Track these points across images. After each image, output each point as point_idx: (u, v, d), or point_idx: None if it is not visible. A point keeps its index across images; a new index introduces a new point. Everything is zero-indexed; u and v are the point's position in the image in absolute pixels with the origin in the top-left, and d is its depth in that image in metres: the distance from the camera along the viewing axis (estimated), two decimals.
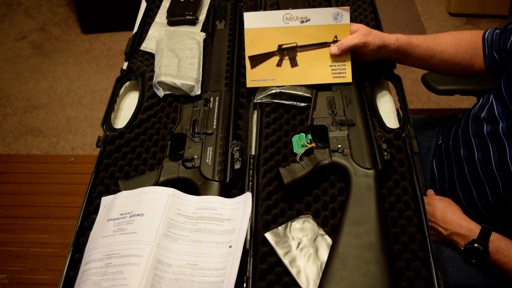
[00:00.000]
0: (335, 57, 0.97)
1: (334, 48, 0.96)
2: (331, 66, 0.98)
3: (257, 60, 0.97)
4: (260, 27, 0.96)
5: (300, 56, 0.97)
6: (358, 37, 0.93)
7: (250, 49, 0.97)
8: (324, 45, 0.97)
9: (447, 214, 0.97)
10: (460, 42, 1.01)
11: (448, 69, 1.03)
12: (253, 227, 0.79)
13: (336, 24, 0.95)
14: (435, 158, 1.15)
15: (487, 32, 1.02)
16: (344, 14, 0.94)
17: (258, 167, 0.88)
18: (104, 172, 0.89)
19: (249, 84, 0.99)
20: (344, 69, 0.97)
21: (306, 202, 0.84)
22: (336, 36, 0.96)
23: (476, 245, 0.92)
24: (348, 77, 0.97)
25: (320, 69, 0.98)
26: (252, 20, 0.95)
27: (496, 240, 0.91)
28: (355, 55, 0.98)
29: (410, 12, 2.72)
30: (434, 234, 0.99)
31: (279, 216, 0.82)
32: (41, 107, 2.29)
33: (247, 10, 1.21)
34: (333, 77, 0.98)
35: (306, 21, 0.96)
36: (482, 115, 0.97)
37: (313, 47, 0.97)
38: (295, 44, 0.97)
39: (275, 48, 0.97)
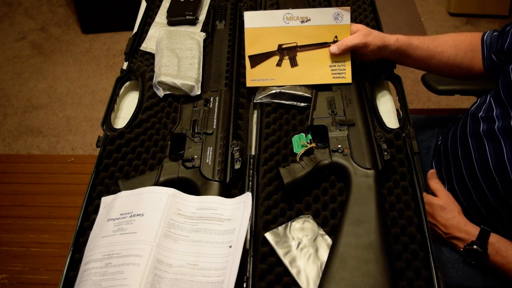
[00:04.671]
0: (335, 58, 0.97)
1: (334, 47, 0.95)
2: (331, 66, 0.98)
3: (257, 59, 0.98)
4: (260, 27, 0.96)
5: (300, 56, 0.97)
6: (358, 37, 0.93)
7: (250, 49, 0.97)
8: (324, 45, 0.97)
9: (448, 218, 0.96)
10: (460, 44, 1.01)
11: (447, 71, 1.03)
12: (253, 227, 0.79)
13: (336, 24, 0.95)
14: (434, 159, 1.15)
15: (486, 34, 1.02)
16: (344, 14, 0.94)
17: (258, 167, 0.88)
18: (104, 172, 0.89)
19: (249, 83, 0.99)
20: (344, 69, 0.97)
21: (306, 202, 0.84)
22: (336, 36, 0.96)
23: (475, 247, 0.92)
24: (348, 78, 0.97)
25: (320, 69, 0.98)
26: (252, 19, 0.95)
27: (495, 242, 0.91)
28: (355, 55, 0.98)
29: (410, 12, 2.72)
30: (433, 233, 0.98)
31: (279, 216, 0.82)
32: (41, 107, 2.29)
33: (247, 10, 1.21)
34: (333, 77, 0.98)
35: (306, 21, 0.96)
36: (480, 114, 0.97)
37: (313, 47, 0.97)
38: (295, 44, 0.97)
39: (275, 48, 0.97)
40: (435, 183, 1.01)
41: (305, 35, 0.96)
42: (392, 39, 0.95)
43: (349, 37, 0.94)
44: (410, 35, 0.99)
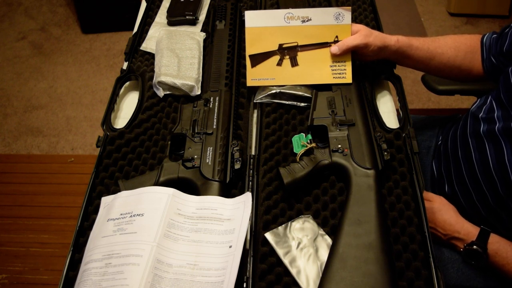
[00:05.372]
0: (336, 58, 0.97)
1: (335, 48, 0.95)
2: (331, 66, 0.98)
3: (257, 59, 0.97)
4: (261, 26, 0.96)
5: (301, 56, 0.97)
6: (359, 37, 0.93)
7: (251, 48, 0.97)
8: (325, 45, 0.97)
9: (445, 219, 0.96)
10: (460, 46, 1.01)
11: (447, 72, 1.03)
12: (253, 227, 0.79)
13: (337, 24, 0.95)
14: (434, 159, 1.15)
15: (485, 37, 1.02)
16: (345, 14, 0.94)
17: (258, 167, 0.88)
18: (104, 172, 0.89)
19: (249, 83, 0.99)
20: (344, 69, 0.97)
21: (306, 202, 0.84)
22: (337, 36, 0.96)
23: (475, 247, 0.92)
24: (348, 78, 0.97)
25: (320, 69, 0.98)
26: (253, 19, 0.95)
27: (495, 242, 0.91)
28: (355, 55, 0.98)
29: (410, 12, 2.72)
30: (433, 237, 0.98)
31: (279, 216, 0.82)
32: (41, 107, 2.29)
33: (247, 10, 1.21)
34: (333, 77, 0.98)
35: (307, 21, 0.96)
36: (480, 115, 0.97)
37: (314, 47, 0.97)
38: (295, 44, 0.97)
39: (275, 47, 0.97)
40: (424, 193, 1.01)
41: (306, 35, 0.96)
42: (393, 40, 0.95)
43: (350, 38, 0.94)
44: (410, 35, 0.99)
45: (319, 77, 0.98)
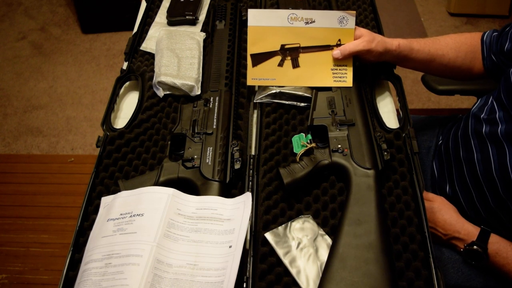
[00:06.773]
0: (337, 61, 0.97)
1: (337, 52, 0.95)
2: (332, 69, 0.97)
3: (259, 58, 0.97)
4: (264, 25, 0.95)
5: (302, 58, 0.97)
6: (362, 43, 0.93)
7: (253, 47, 0.96)
8: (327, 48, 0.97)
9: (445, 219, 0.97)
10: (460, 46, 1.01)
11: (447, 73, 1.03)
12: (253, 227, 0.79)
13: (340, 28, 0.95)
14: (435, 159, 1.15)
15: (485, 34, 1.02)
16: (349, 18, 0.94)
17: (258, 167, 0.88)
18: (104, 172, 0.89)
19: (249, 82, 0.99)
20: (345, 73, 0.97)
21: (306, 202, 0.84)
22: (339, 40, 0.96)
23: (475, 247, 0.92)
24: (349, 82, 0.97)
25: (321, 72, 0.98)
26: (256, 17, 0.95)
27: (495, 243, 0.91)
28: (356, 57, 0.98)
29: (410, 12, 2.72)
30: (433, 237, 0.98)
31: (279, 216, 0.82)
32: (41, 107, 2.29)
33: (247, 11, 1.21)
34: (334, 81, 0.97)
35: (311, 23, 0.95)
36: (482, 115, 0.97)
37: (316, 49, 0.97)
38: (298, 45, 0.97)
39: (277, 48, 0.97)
40: (424, 194, 1.02)
41: (309, 37, 0.96)
42: (394, 45, 0.95)
43: (353, 43, 0.94)
44: (410, 35, 0.99)
45: (319, 80, 0.98)
